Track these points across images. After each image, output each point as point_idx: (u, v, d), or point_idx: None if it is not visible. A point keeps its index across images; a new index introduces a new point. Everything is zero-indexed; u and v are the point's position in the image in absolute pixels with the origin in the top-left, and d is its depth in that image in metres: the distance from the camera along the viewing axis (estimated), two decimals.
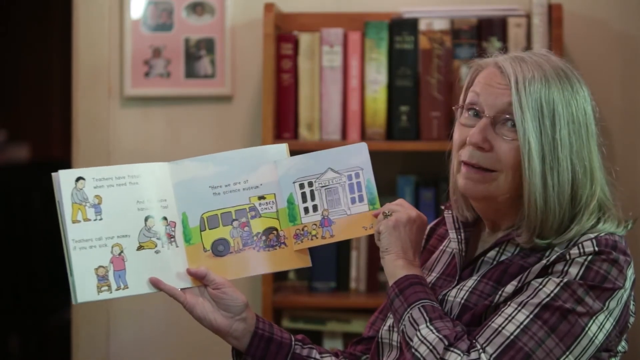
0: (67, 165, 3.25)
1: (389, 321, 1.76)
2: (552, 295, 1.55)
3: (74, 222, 1.67)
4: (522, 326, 1.54)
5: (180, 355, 3.08)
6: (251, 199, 1.77)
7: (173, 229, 1.76)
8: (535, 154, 1.60)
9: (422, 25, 2.85)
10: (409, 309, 1.62)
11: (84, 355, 3.08)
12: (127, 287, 1.69)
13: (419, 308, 1.62)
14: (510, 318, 1.55)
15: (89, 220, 1.68)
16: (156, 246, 1.73)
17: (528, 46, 2.79)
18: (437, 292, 1.71)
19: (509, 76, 1.62)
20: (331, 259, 2.89)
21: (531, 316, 1.54)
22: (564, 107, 1.61)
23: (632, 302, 1.64)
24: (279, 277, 2.92)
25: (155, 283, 1.72)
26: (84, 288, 1.66)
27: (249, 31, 3.04)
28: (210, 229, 1.76)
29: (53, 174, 1.69)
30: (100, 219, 1.69)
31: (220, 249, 1.77)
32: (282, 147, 1.80)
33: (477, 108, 1.66)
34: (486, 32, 2.83)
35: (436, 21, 2.85)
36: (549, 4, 2.81)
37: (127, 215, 1.71)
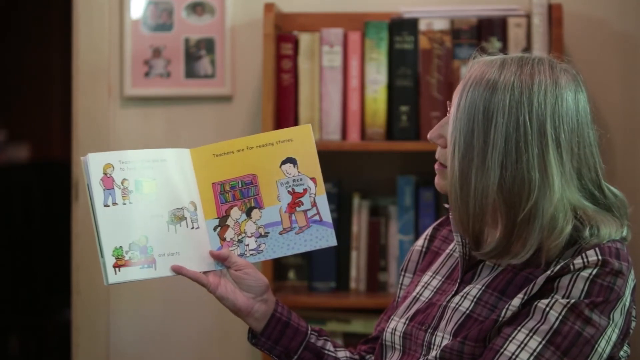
0: (67, 165, 3.26)
1: (392, 323, 1.77)
2: (560, 318, 1.55)
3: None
4: (535, 353, 1.55)
5: (180, 355, 3.08)
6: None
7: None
8: (459, 154, 1.61)
9: (422, 25, 2.85)
10: None
11: (84, 355, 3.08)
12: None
13: None
14: (522, 345, 1.56)
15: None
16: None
17: (528, 46, 2.79)
18: (441, 298, 1.71)
19: (464, 78, 1.65)
20: (331, 259, 2.89)
21: (544, 342, 1.55)
22: (505, 114, 1.58)
23: (633, 307, 1.64)
24: (278, 277, 2.91)
25: (177, 270, 1.73)
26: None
27: (249, 31, 3.04)
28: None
29: (82, 157, 1.72)
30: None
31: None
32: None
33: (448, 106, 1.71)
34: (486, 32, 2.83)
35: (436, 21, 2.85)
36: (549, 4, 2.81)
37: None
